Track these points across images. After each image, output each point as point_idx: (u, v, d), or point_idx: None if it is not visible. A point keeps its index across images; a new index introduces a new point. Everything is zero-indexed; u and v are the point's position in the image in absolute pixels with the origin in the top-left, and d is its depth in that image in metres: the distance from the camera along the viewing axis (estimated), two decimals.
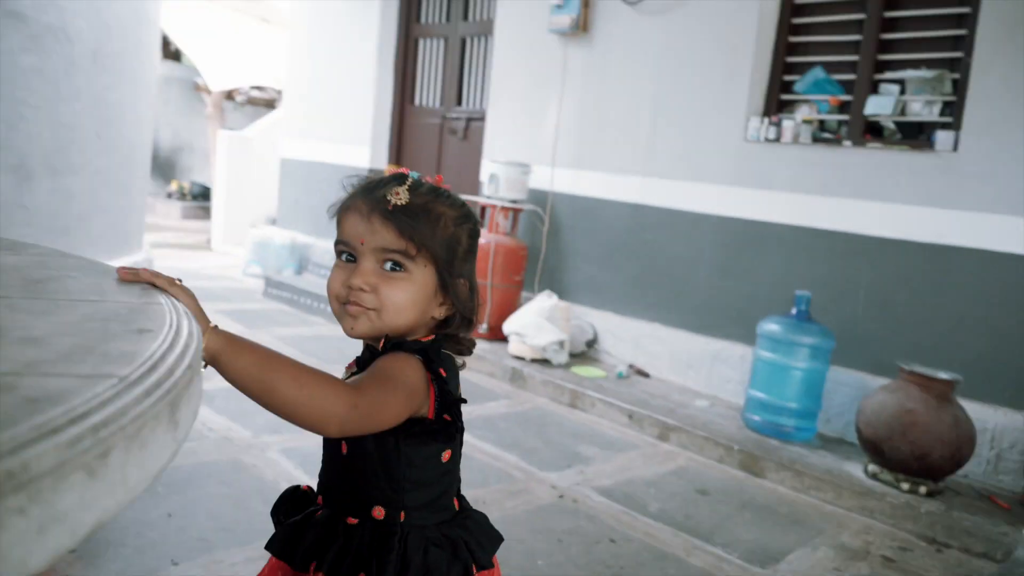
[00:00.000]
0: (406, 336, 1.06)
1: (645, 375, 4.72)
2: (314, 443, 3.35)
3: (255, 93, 12.21)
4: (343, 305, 1.05)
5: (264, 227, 8.16)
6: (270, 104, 12.52)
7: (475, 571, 1.05)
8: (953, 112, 3.81)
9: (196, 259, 7.92)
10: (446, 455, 1.07)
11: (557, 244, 5.38)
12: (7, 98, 3.61)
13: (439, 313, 1.08)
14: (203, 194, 12.08)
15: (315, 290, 5.98)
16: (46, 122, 4.07)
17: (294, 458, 3.00)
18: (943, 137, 3.75)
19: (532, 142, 5.54)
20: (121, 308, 0.78)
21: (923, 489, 3.21)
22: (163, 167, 13.76)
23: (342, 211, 1.07)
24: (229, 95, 11.95)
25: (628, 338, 4.95)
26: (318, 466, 1.14)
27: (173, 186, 12.40)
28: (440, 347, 1.07)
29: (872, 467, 3.39)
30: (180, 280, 0.91)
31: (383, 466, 1.02)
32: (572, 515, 2.86)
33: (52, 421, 0.47)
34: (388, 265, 1.03)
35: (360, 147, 7.07)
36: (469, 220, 1.09)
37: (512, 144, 5.69)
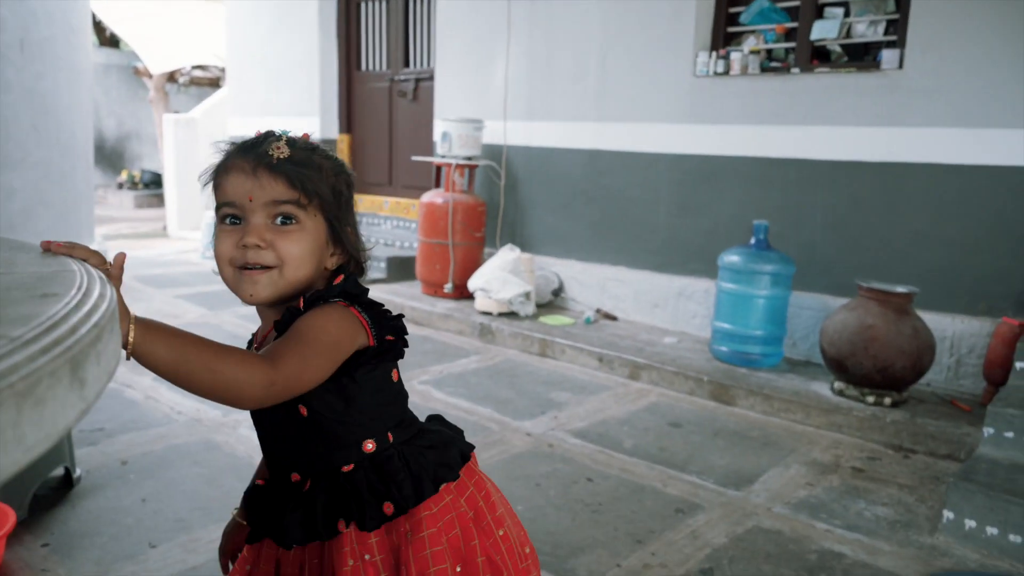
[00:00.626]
0: (304, 292, 1.04)
1: (613, 318, 4.76)
2: None
3: (197, 73, 11.89)
4: (237, 270, 1.02)
5: None
6: (214, 83, 12.21)
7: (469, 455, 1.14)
8: (897, 30, 3.81)
9: (153, 247, 7.78)
10: (395, 374, 1.10)
11: (515, 197, 5.35)
12: None
13: (331, 264, 1.08)
14: (155, 181, 11.82)
15: None
16: None
17: None
18: (888, 56, 3.76)
19: (483, 98, 5.47)
20: (28, 277, 0.75)
21: (888, 400, 3.29)
22: (111, 157, 13.42)
23: (220, 173, 1.04)
24: (171, 77, 11.62)
25: (593, 283, 4.97)
26: None
27: (123, 176, 12.12)
28: (354, 281, 1.07)
29: (838, 384, 3.46)
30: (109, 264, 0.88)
31: (350, 405, 1.03)
32: (548, 459, 2.89)
33: None
34: (279, 219, 1.01)
35: (309, 118, 6.93)
36: (344, 171, 1.09)
37: (463, 101, 5.62)
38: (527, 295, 4.67)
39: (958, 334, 3.60)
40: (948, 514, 2.42)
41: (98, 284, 0.74)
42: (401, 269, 5.63)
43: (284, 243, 1.00)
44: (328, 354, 0.97)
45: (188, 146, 8.49)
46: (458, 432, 1.18)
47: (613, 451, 2.99)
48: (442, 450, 1.09)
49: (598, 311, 4.82)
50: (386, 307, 1.07)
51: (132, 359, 0.84)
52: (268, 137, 1.03)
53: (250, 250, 1.00)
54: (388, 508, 1.01)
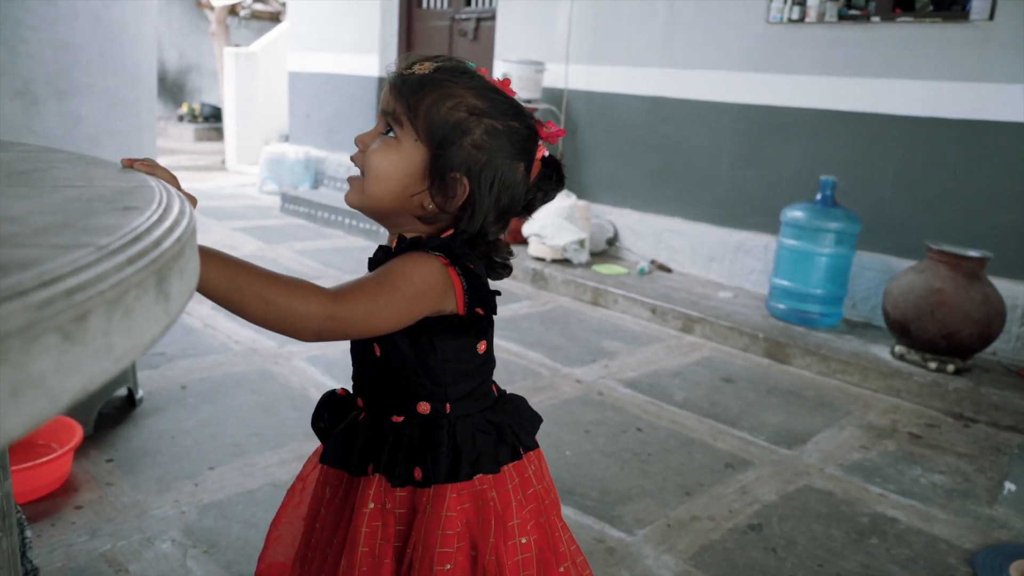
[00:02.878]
0: (387, 216, 1.02)
1: (667, 270, 4.69)
2: (338, 350, 3.31)
3: (259, 6, 11.89)
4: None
5: (277, 144, 8.08)
6: (275, 17, 12.20)
7: (522, 452, 1.05)
8: None
9: (211, 180, 7.90)
10: (481, 346, 1.04)
11: (574, 143, 5.26)
12: (6, 19, 3.52)
13: (423, 202, 0.98)
14: (214, 115, 11.94)
15: (332, 203, 5.94)
16: (47, 43, 3.97)
17: (319, 365, 3.04)
18: (978, 5, 3.54)
19: (545, 39, 5.35)
20: (107, 191, 0.75)
21: (951, 367, 3.19)
22: (172, 90, 13.59)
23: None
24: (232, 10, 11.64)
25: (649, 234, 4.89)
26: (344, 372, 1.14)
27: (184, 108, 12.27)
28: (462, 240, 0.98)
29: (899, 348, 3.37)
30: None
31: (421, 363, 0.99)
32: (598, 407, 2.89)
33: (20, 284, 0.44)
34: (388, 132, 1.00)
35: (368, 55, 6.88)
36: (494, 115, 0.96)
37: (524, 42, 5.50)
38: (581, 243, 4.63)
39: None
40: (1009, 486, 2.35)
41: (178, 201, 0.74)
42: None
43: (370, 153, 0.99)
44: (405, 303, 0.93)
45: (249, 80, 8.53)
46: (531, 421, 1.10)
47: (663, 403, 2.97)
48: (495, 439, 1.02)
49: (652, 262, 4.75)
50: (485, 278, 1.00)
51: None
52: (437, 57, 1.01)
53: (358, 151, 1.01)
54: (418, 473, 0.98)
